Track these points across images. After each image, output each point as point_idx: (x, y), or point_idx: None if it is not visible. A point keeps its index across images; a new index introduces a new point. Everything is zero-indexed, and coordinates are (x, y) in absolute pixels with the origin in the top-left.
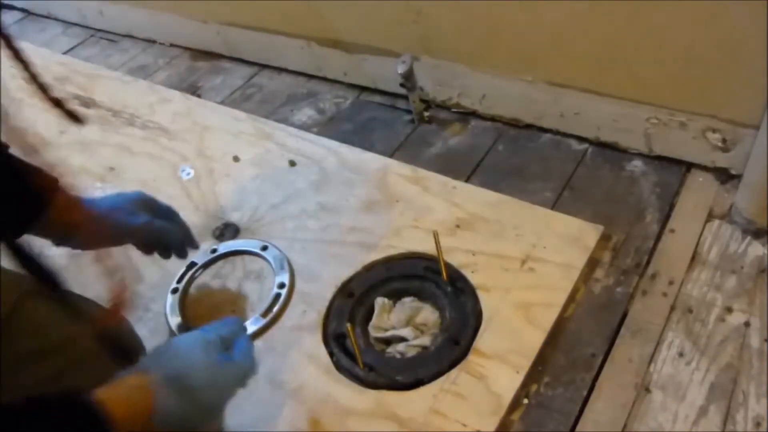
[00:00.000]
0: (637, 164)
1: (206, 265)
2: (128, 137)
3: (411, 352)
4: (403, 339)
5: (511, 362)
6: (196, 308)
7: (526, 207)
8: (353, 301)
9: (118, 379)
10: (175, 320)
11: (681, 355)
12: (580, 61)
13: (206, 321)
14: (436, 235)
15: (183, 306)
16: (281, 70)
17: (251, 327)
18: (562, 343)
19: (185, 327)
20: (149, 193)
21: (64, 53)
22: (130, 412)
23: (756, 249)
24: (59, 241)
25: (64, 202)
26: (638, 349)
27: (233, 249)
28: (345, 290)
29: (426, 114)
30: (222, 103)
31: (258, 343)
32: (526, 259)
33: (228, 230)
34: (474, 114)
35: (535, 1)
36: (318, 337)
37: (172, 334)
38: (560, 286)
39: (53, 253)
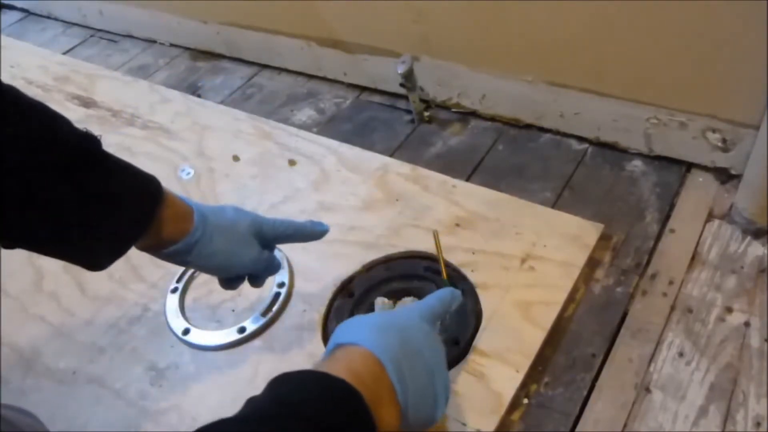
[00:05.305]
0: (637, 164)
1: None
2: (128, 137)
3: None
4: None
5: (511, 361)
6: (196, 308)
7: (525, 205)
8: (353, 301)
9: (342, 360)
10: (175, 320)
11: (681, 355)
12: (580, 61)
13: (206, 320)
14: (436, 235)
15: (183, 306)
16: (281, 70)
17: (251, 326)
18: (562, 343)
19: (185, 328)
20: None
21: (64, 53)
22: (380, 410)
23: (756, 249)
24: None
25: (171, 215)
26: (638, 349)
27: None
28: (345, 290)
29: (426, 114)
30: (222, 103)
31: (258, 343)
32: (526, 258)
33: None
34: (474, 114)
35: (535, 1)
36: (318, 337)
37: (172, 333)
38: (560, 284)
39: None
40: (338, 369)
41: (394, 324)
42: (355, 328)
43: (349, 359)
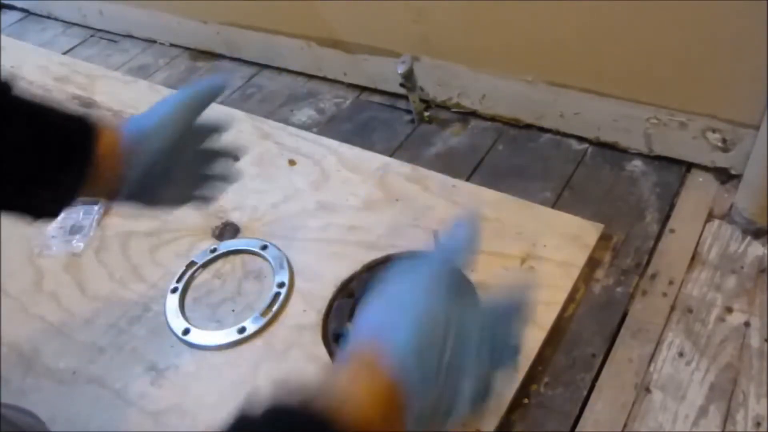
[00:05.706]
0: (637, 164)
1: (206, 265)
2: None
3: None
4: None
5: None
6: (195, 308)
7: (525, 205)
8: (353, 301)
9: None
10: (175, 320)
11: (681, 355)
12: (580, 61)
13: (206, 320)
14: (436, 235)
15: (183, 306)
16: (281, 70)
17: (251, 326)
18: (562, 343)
19: (186, 329)
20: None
21: (64, 53)
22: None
23: (756, 249)
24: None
25: (108, 156)
26: (638, 349)
27: (233, 248)
28: (345, 290)
29: (426, 114)
30: (222, 103)
31: (258, 343)
32: (526, 258)
33: (228, 229)
34: (474, 114)
35: (535, 1)
36: (318, 337)
37: (172, 333)
38: (560, 284)
39: (54, 253)
40: (357, 403)
41: (440, 339)
42: (391, 337)
43: (373, 388)
